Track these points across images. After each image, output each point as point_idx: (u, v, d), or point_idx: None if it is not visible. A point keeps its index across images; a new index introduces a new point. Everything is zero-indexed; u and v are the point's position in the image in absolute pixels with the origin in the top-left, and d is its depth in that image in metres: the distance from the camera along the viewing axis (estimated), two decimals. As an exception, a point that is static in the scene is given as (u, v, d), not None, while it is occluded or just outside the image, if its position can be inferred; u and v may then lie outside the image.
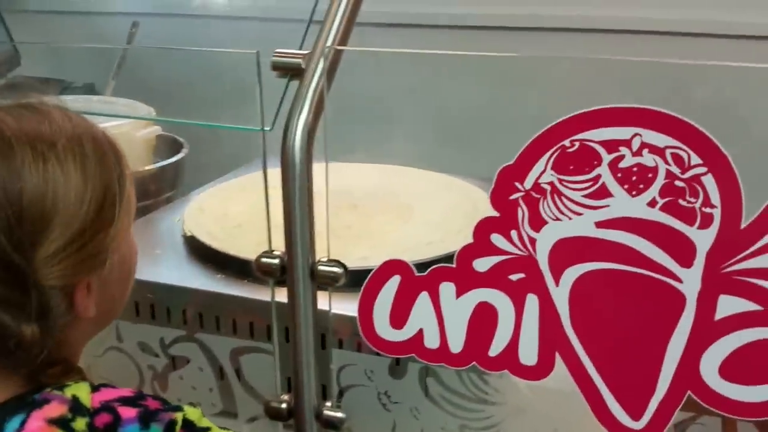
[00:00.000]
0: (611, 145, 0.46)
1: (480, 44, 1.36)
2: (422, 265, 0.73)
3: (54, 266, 0.47)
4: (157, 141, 1.16)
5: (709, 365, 0.48)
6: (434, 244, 0.82)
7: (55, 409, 0.46)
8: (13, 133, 0.48)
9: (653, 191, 0.46)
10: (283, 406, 0.59)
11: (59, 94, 1.72)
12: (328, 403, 0.58)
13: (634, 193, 0.46)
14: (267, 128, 0.55)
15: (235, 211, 0.92)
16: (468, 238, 0.81)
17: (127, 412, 0.47)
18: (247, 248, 0.78)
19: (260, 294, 0.70)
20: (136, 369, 0.71)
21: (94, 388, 0.49)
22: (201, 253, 0.81)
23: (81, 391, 0.48)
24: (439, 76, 1.28)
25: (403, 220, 0.90)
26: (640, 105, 0.45)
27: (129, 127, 1.07)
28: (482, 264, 0.52)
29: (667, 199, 0.45)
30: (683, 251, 0.46)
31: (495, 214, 0.50)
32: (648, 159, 0.45)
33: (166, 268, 0.80)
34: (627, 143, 0.46)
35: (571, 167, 0.47)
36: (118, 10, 1.84)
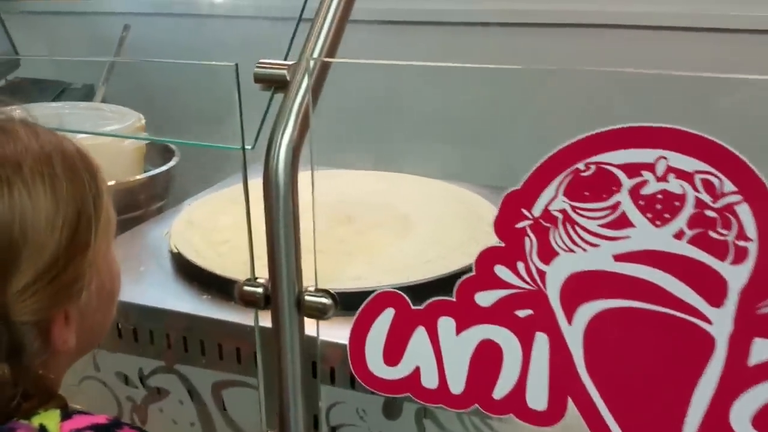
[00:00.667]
0: (632, 169, 0.41)
1: (480, 41, 1.31)
2: (422, 287, 0.68)
3: (26, 301, 0.43)
4: (147, 149, 1.11)
5: (741, 416, 0.42)
6: (434, 261, 0.77)
7: None
8: None
9: (680, 221, 0.40)
10: (269, 445, 0.54)
11: (57, 96, 1.69)
12: (317, 444, 0.53)
13: (658, 223, 0.41)
14: (248, 146, 0.49)
15: (224, 224, 0.87)
16: (468, 254, 0.77)
17: None
18: (234, 268, 0.73)
19: (247, 318, 0.65)
20: (114, 399, 0.66)
21: (66, 416, 0.45)
22: (187, 271, 0.76)
23: (49, 420, 0.44)
24: (435, 78, 1.22)
25: (400, 234, 0.85)
26: (664, 124, 0.40)
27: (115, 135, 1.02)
28: (485, 298, 0.46)
29: (696, 231, 0.40)
30: (713, 289, 0.41)
31: (498, 242, 0.45)
32: (674, 185, 0.40)
33: (150, 286, 0.75)
34: (650, 167, 0.40)
35: (586, 193, 0.42)
36: (115, 10, 1.80)
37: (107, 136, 0.98)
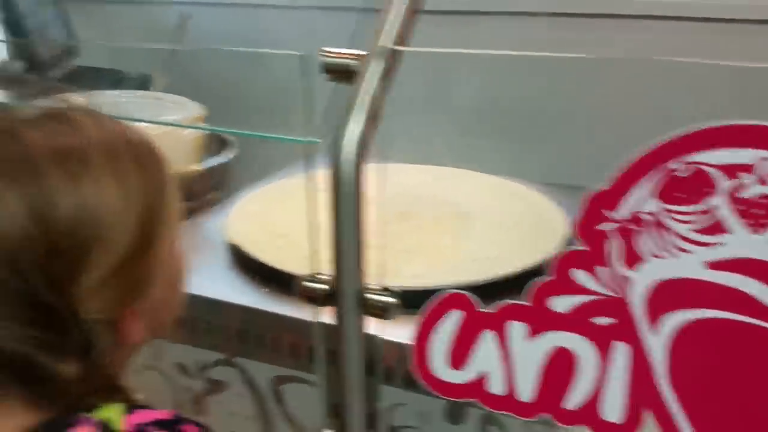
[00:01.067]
0: (730, 171, 0.38)
1: (547, 33, 1.26)
2: (485, 286, 0.66)
3: (96, 298, 0.42)
4: (206, 140, 1.11)
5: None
6: (495, 260, 0.74)
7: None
8: (40, 153, 0.42)
9: (783, 229, 0.37)
10: (328, 444, 0.53)
11: (114, 86, 1.72)
12: (377, 445, 0.52)
13: (757, 229, 0.38)
14: (317, 139, 0.48)
15: (281, 218, 0.86)
16: (530, 253, 0.75)
17: None
18: (292, 262, 0.72)
19: (306, 313, 0.64)
20: (172, 390, 0.66)
21: (130, 410, 0.44)
22: (245, 264, 0.76)
23: (113, 414, 0.43)
24: (497, 69, 1.19)
25: (458, 230, 0.82)
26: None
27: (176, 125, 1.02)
28: (561, 303, 0.44)
29: (800, 240, 0.37)
30: (817, 303, 0.37)
31: (579, 246, 0.42)
32: (777, 189, 0.37)
33: (208, 278, 0.75)
34: (750, 168, 0.37)
35: (679, 195, 0.39)
36: (175, -1, 1.82)
37: (167, 126, 0.98)
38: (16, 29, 1.57)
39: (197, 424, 0.45)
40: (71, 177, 0.42)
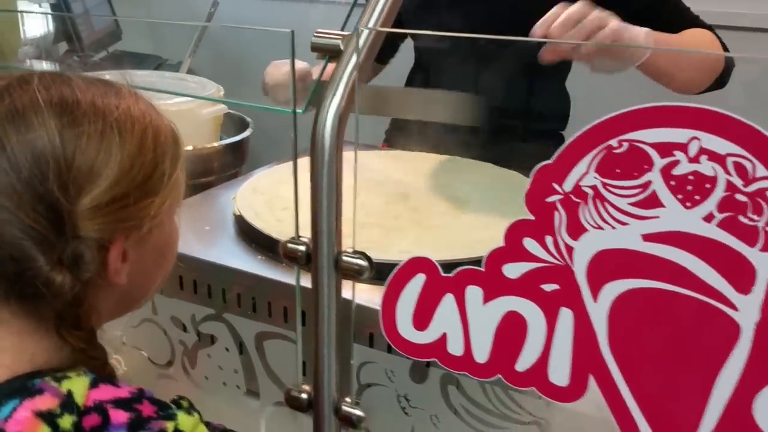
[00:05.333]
0: (665, 149, 0.40)
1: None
2: (465, 264, 0.69)
3: (94, 218, 0.48)
4: (224, 119, 1.17)
5: (765, 408, 0.41)
6: (483, 242, 0.78)
7: (46, 401, 0.45)
8: (84, 100, 0.51)
9: (710, 204, 0.40)
10: (304, 396, 0.57)
11: (154, 70, 1.79)
12: (348, 399, 0.56)
13: (688, 204, 0.41)
14: (299, 110, 0.52)
15: (287, 193, 0.91)
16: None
17: (118, 416, 0.46)
18: (291, 232, 0.77)
19: (290, 277, 0.69)
20: (168, 342, 0.72)
21: (95, 383, 0.48)
22: (246, 233, 0.81)
23: (78, 385, 0.47)
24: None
25: (454, 214, 0.86)
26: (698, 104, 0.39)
27: (196, 104, 1.08)
28: (513, 270, 0.47)
29: (725, 215, 0.39)
30: (741, 275, 0.40)
31: (529, 216, 0.46)
32: (706, 167, 0.40)
33: (212, 245, 0.81)
34: (683, 147, 0.40)
35: (618, 171, 0.42)
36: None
37: (190, 102, 1.04)
38: (63, 13, 1.65)
39: (154, 402, 0.49)
40: (103, 123, 0.50)
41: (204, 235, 0.83)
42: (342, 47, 0.53)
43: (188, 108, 1.05)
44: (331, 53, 0.53)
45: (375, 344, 0.65)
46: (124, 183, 0.50)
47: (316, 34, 0.54)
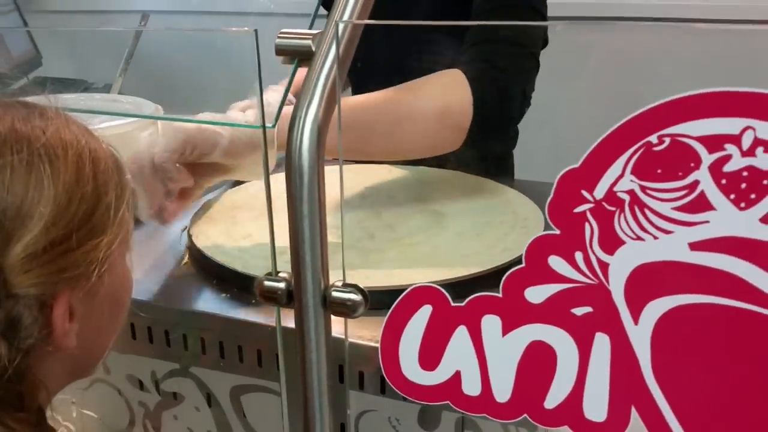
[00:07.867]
0: (714, 142, 0.35)
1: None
2: (461, 284, 0.63)
3: (30, 270, 0.40)
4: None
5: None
6: (470, 257, 0.71)
7: None
8: (2, 125, 0.43)
9: (770, 203, 0.34)
10: (293, 456, 0.49)
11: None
12: (346, 456, 0.48)
13: (742, 205, 0.35)
14: (269, 125, 0.45)
15: (246, 216, 0.82)
16: (506, 249, 0.72)
17: None
18: (256, 264, 0.68)
19: (269, 318, 0.60)
20: (125, 405, 0.62)
21: None
22: (205, 268, 0.72)
23: None
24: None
25: (432, 228, 0.79)
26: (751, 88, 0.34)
27: (133, 126, 0.98)
28: (537, 294, 0.41)
29: (790, 214, 0.34)
30: (811, 283, 0.35)
31: (553, 230, 0.39)
32: (763, 160, 0.34)
33: (165, 284, 0.71)
34: (735, 139, 0.34)
35: (659, 171, 0.36)
36: (134, 7, 1.78)
37: (125, 126, 0.94)
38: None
39: None
40: (28, 155, 0.42)
41: (153, 273, 0.73)
42: (313, 48, 0.45)
43: (125, 131, 0.94)
44: (301, 56, 0.46)
45: (365, 385, 0.57)
46: (63, 223, 0.42)
47: (280, 35, 0.47)
